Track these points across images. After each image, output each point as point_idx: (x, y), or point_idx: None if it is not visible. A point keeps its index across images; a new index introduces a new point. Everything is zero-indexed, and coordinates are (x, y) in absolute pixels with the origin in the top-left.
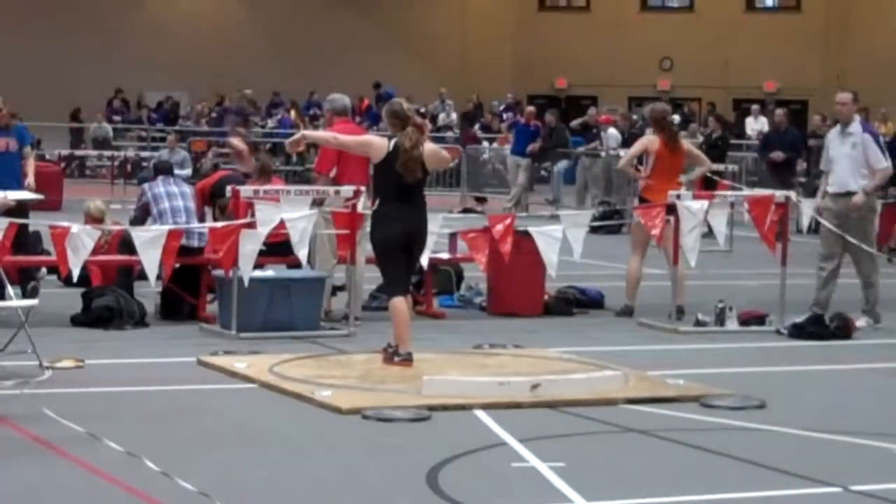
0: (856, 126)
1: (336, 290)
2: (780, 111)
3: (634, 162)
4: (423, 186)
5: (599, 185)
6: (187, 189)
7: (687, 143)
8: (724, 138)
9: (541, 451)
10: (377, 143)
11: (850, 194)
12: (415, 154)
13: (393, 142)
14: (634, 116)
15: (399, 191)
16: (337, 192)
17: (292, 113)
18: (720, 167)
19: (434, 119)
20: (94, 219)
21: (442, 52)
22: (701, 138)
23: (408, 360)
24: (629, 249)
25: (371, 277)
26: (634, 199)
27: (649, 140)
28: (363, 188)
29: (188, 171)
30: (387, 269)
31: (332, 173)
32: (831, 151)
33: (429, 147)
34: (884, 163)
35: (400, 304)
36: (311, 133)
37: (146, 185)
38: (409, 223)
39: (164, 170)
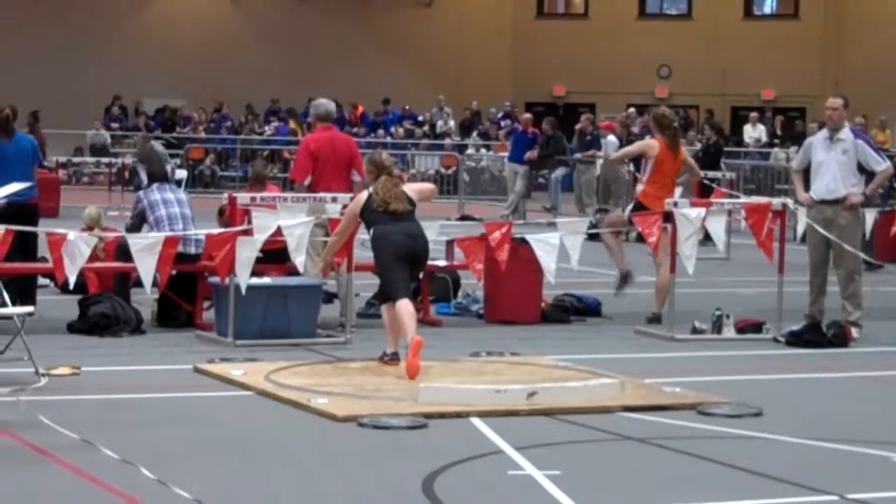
0: (846, 132)
1: (331, 297)
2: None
3: (628, 162)
4: (413, 215)
5: (592, 193)
6: (183, 196)
7: (685, 151)
8: (717, 145)
9: (537, 459)
10: (357, 202)
11: (838, 201)
12: (388, 194)
13: (367, 192)
14: (631, 110)
15: (391, 217)
16: (334, 200)
17: (291, 121)
18: (717, 174)
19: (433, 127)
20: (88, 226)
21: (440, 60)
22: (699, 146)
23: (395, 359)
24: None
25: (366, 285)
26: (629, 205)
27: (649, 144)
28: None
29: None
30: (389, 277)
31: (307, 181)
32: (818, 157)
33: (409, 187)
34: (884, 164)
35: (405, 303)
36: (328, 251)
37: (142, 193)
38: (411, 235)
39: (160, 176)
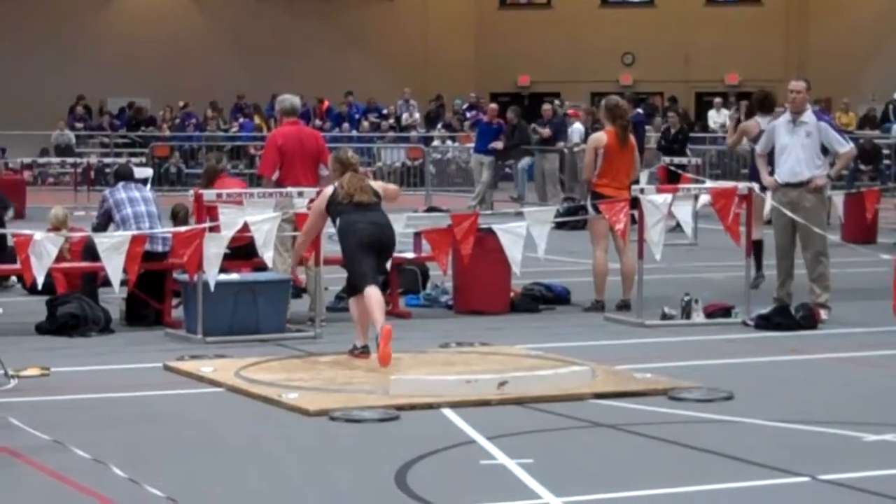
0: (809, 115)
1: (300, 292)
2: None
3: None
4: (379, 206)
5: (556, 182)
6: (149, 194)
7: (634, 143)
8: (683, 132)
9: (509, 448)
10: (322, 197)
11: (802, 184)
12: (354, 187)
13: (332, 186)
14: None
15: (357, 207)
16: (300, 194)
17: (256, 117)
18: (683, 160)
19: (398, 119)
20: (55, 227)
21: (404, 53)
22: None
23: (365, 352)
24: (591, 245)
25: (335, 279)
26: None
27: (597, 138)
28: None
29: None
30: (356, 267)
31: (275, 176)
32: (781, 140)
33: (374, 183)
34: (847, 146)
35: (373, 290)
36: (296, 251)
37: (107, 192)
38: (377, 224)
39: (125, 175)
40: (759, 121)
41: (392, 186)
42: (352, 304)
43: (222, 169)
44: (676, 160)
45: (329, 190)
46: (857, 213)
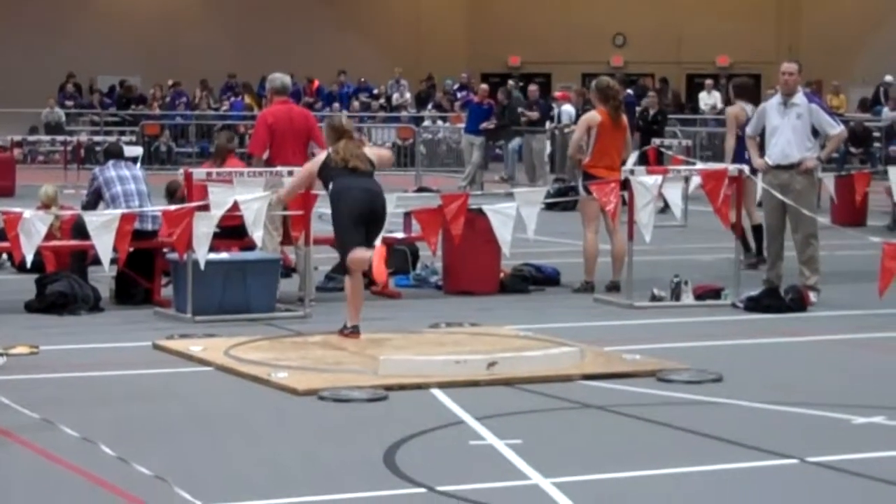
0: (800, 97)
1: (290, 271)
2: None
3: (583, 145)
4: (373, 175)
5: (544, 163)
6: (139, 172)
7: (626, 123)
8: (662, 113)
9: (498, 429)
10: (315, 160)
11: (793, 166)
12: (348, 153)
13: (326, 152)
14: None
15: (350, 173)
16: (290, 174)
17: (246, 97)
18: (663, 141)
19: (388, 99)
20: (45, 204)
21: (396, 33)
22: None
23: (355, 332)
24: (582, 226)
25: (325, 259)
26: (580, 175)
27: (590, 117)
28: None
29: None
30: (346, 235)
31: (265, 155)
32: (772, 122)
33: (370, 150)
34: (837, 128)
35: (361, 251)
36: (282, 192)
37: (97, 170)
38: (370, 191)
39: (115, 153)
40: (745, 106)
41: (385, 152)
42: (347, 283)
43: (232, 148)
44: (659, 142)
45: (322, 155)
46: (847, 196)
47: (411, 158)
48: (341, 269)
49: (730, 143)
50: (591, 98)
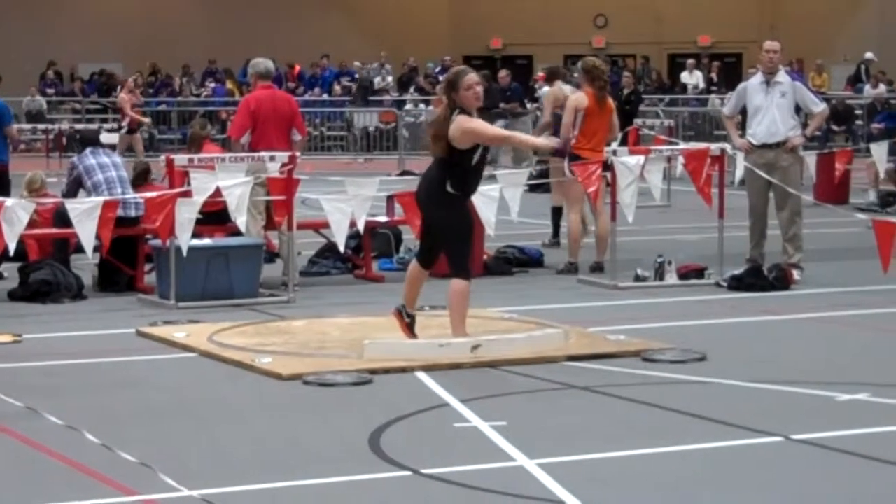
0: (783, 75)
1: (273, 256)
2: None
3: (573, 130)
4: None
5: None
6: (118, 159)
7: (612, 105)
8: (636, 93)
9: (482, 411)
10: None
11: (779, 144)
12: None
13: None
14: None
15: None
16: (272, 159)
17: (228, 82)
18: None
19: (371, 84)
20: (34, 190)
21: (378, 16)
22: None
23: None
24: (566, 207)
25: (308, 244)
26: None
27: (577, 99)
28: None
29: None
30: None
31: (244, 139)
32: (755, 101)
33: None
34: (821, 105)
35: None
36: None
37: (76, 158)
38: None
39: (91, 140)
40: (562, 87)
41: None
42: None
43: (206, 135)
44: (641, 122)
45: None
46: (829, 174)
47: (394, 142)
48: (466, 274)
49: (546, 121)
50: (579, 78)
